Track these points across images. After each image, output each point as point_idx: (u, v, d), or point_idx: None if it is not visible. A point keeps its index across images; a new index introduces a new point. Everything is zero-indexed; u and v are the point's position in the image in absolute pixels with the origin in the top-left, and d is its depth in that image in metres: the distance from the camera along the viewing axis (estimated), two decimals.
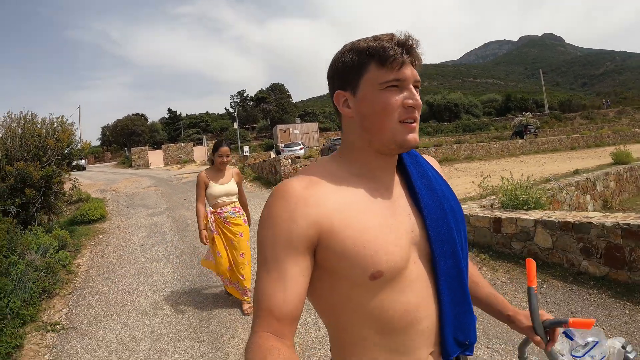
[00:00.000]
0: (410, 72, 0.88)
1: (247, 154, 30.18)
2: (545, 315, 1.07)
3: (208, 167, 4.32)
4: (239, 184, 4.25)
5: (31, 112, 8.27)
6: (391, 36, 0.89)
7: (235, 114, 50.98)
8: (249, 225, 4.30)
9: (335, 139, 33.86)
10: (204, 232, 4.11)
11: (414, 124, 0.89)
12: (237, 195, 4.25)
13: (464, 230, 1.01)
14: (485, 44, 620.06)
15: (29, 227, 6.68)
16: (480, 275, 1.19)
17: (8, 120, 8.07)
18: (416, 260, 0.93)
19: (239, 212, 4.18)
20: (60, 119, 8.60)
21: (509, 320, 1.11)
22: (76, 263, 6.36)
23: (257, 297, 0.84)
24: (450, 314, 0.94)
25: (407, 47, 0.88)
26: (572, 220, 4.70)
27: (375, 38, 0.90)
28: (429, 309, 0.93)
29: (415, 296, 0.91)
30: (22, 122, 8.14)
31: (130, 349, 3.68)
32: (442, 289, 0.93)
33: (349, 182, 0.92)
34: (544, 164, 17.74)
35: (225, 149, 4.17)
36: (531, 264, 1.04)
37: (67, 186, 8.90)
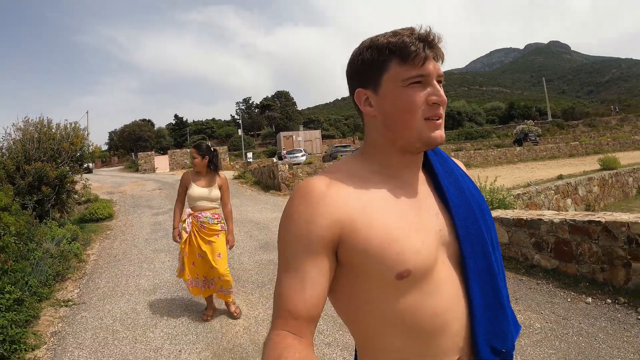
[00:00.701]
0: (433, 67, 0.86)
1: (250, 160, 30.98)
2: None
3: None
4: (223, 191, 4.07)
5: (47, 117, 9.12)
6: (412, 31, 0.87)
7: (240, 121, 51.92)
8: (231, 240, 4.12)
9: (337, 146, 34.55)
10: (177, 230, 4.05)
11: (439, 121, 0.87)
12: (219, 202, 4.11)
13: (494, 231, 0.98)
14: (491, 52, 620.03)
15: (44, 221, 7.41)
16: None
17: (26, 124, 8.87)
18: (445, 261, 0.90)
19: (217, 218, 4.03)
20: (73, 125, 9.40)
21: None
22: (86, 253, 7.07)
23: (276, 296, 0.84)
24: (482, 318, 0.90)
25: (428, 41, 0.86)
26: (524, 217, 5.27)
27: (395, 33, 0.88)
28: (459, 312, 0.89)
29: (445, 298, 0.87)
30: (39, 126, 8.92)
31: (131, 317, 4.36)
32: (473, 291, 0.90)
33: (372, 180, 0.90)
34: (536, 171, 18.31)
35: (192, 149, 4.06)
36: None
37: (79, 186, 9.65)
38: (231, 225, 4.13)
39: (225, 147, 37.09)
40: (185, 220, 3.98)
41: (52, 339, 4.03)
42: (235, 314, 4.14)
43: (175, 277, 5.49)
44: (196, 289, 4.09)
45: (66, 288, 5.48)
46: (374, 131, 0.93)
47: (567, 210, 10.83)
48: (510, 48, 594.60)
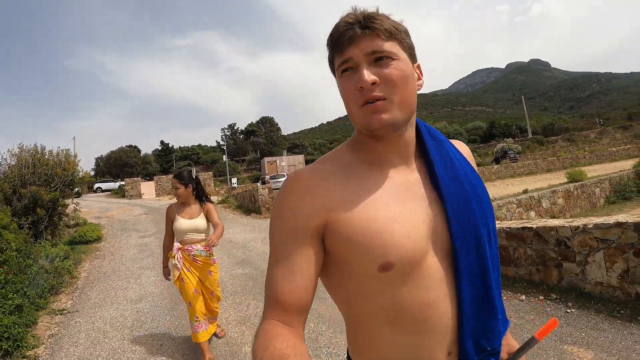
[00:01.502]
0: (359, 49, 0.81)
1: (235, 185, 31.58)
2: (516, 346, 1.04)
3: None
4: (210, 215, 3.81)
5: (41, 144, 9.83)
6: (345, 15, 0.84)
7: (225, 147, 52.69)
8: (214, 238, 3.62)
9: None
10: (167, 270, 3.93)
11: (378, 103, 0.81)
12: (207, 233, 3.84)
13: (492, 225, 0.94)
14: (473, 72, 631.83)
15: (39, 240, 7.98)
16: None
17: (20, 151, 9.54)
18: (435, 254, 0.86)
19: (209, 251, 3.76)
20: (65, 152, 10.09)
21: None
22: (78, 271, 7.63)
23: (266, 286, 0.85)
24: (471, 315, 0.88)
25: (353, 22, 0.82)
26: None
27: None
28: (447, 307, 0.86)
29: (433, 292, 0.85)
30: (33, 153, 9.59)
31: (120, 321, 4.96)
32: (463, 287, 0.86)
33: (359, 169, 0.89)
34: (510, 187, 19.03)
35: (173, 179, 3.81)
36: (554, 325, 0.91)
37: (70, 209, 10.23)
38: (219, 232, 3.64)
39: (211, 173, 37.65)
40: (174, 255, 3.67)
41: (49, 340, 4.61)
42: (220, 335, 4.19)
43: (160, 288, 6.09)
44: (206, 332, 3.71)
45: (60, 300, 6.04)
46: None
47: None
48: (492, 68, 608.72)
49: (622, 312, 3.74)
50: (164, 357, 3.92)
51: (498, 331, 0.93)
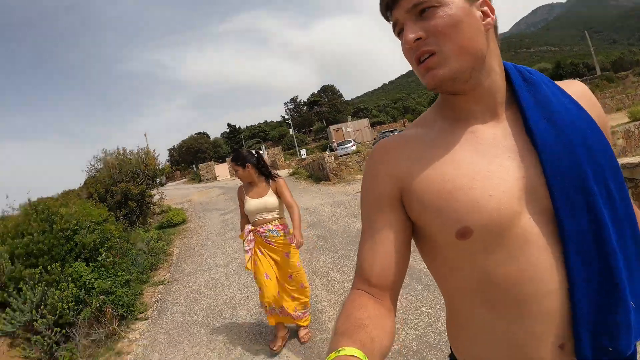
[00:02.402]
0: (401, 9, 0.76)
1: (304, 156, 32.34)
2: None
3: None
4: (281, 192, 3.46)
5: (122, 147, 10.97)
6: None
7: (290, 121, 53.66)
8: (298, 236, 3.38)
9: (385, 132, 35.03)
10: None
11: (429, 60, 0.74)
12: (279, 211, 3.49)
13: (615, 182, 0.74)
14: (533, 11, 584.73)
15: (133, 228, 9.03)
16: None
17: (105, 155, 10.73)
18: (532, 217, 0.72)
19: (283, 229, 3.45)
20: (145, 149, 11.14)
21: None
22: (170, 249, 8.57)
23: (357, 254, 0.84)
24: (585, 299, 0.70)
25: None
26: None
27: None
28: (552, 284, 0.71)
29: (530, 264, 0.71)
30: (117, 155, 10.70)
31: (212, 282, 5.67)
32: (571, 258, 0.70)
33: (443, 128, 0.82)
34: None
35: (230, 163, 3.66)
36: None
37: (156, 198, 11.36)
38: (297, 223, 3.40)
39: (280, 147, 38.75)
40: (245, 238, 3.50)
41: (155, 304, 5.40)
42: (303, 340, 3.56)
43: (242, 254, 6.73)
44: (272, 317, 3.53)
45: (159, 274, 6.91)
46: None
47: None
48: (554, 3, 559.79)
49: None
50: (249, 306, 4.53)
51: (629, 326, 0.71)
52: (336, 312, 4.09)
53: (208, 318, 4.51)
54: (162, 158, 12.95)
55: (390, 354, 3.05)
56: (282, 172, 20.52)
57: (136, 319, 4.96)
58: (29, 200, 6.79)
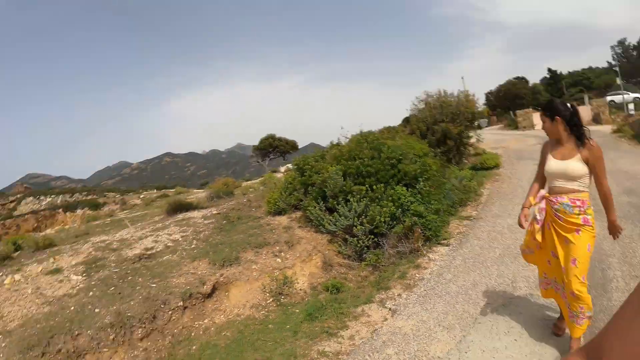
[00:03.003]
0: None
1: (632, 112, 25.92)
2: None
3: None
4: (594, 167, 2.84)
5: (443, 90, 11.70)
6: None
7: (617, 68, 43.04)
8: (614, 228, 2.96)
9: None
10: (524, 211, 3.11)
11: None
12: (584, 183, 2.88)
13: None
14: None
15: (448, 166, 9.81)
16: None
17: (427, 96, 11.78)
18: None
19: (580, 206, 2.83)
20: (465, 93, 11.57)
21: None
22: (481, 190, 8.99)
23: None
24: None
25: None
26: None
27: None
28: None
29: None
30: (437, 96, 11.58)
31: (515, 227, 5.77)
32: None
33: None
34: None
35: (540, 111, 3.15)
36: None
37: (473, 139, 11.84)
38: (612, 213, 2.93)
39: (606, 99, 32.27)
40: (537, 204, 3.03)
41: (458, 235, 6.03)
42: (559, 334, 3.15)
43: None
44: (548, 291, 3.20)
45: (467, 210, 7.49)
46: None
47: None
48: None
49: None
50: None
51: None
52: (626, 285, 3.76)
53: (503, 257, 4.80)
54: (479, 102, 13.22)
55: None
56: (605, 129, 17.47)
57: (439, 244, 5.70)
58: (360, 131, 8.37)
